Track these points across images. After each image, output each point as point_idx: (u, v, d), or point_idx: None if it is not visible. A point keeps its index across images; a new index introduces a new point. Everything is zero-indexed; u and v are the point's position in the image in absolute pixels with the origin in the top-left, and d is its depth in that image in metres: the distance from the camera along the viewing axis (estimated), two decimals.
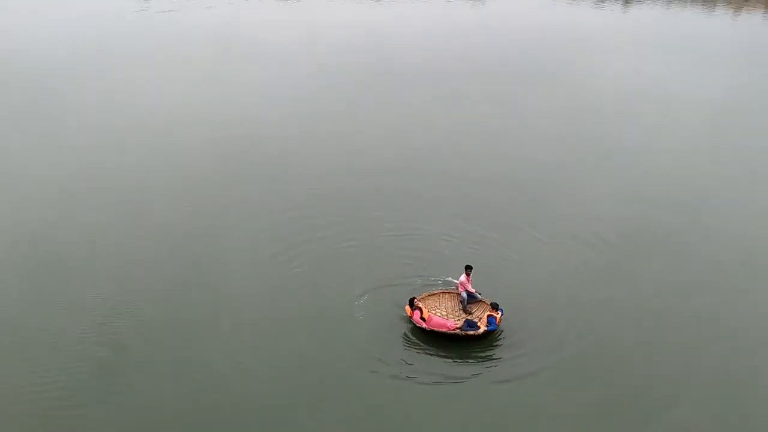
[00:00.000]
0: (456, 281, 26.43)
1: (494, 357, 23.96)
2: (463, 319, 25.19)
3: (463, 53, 60.11)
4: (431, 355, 23.89)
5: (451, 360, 23.77)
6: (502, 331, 24.68)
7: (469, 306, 25.87)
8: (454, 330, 24.57)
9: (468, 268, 26.01)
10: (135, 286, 26.97)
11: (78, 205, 32.69)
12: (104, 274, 27.65)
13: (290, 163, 37.36)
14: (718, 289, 28.00)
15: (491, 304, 25.22)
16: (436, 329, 24.42)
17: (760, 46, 66.82)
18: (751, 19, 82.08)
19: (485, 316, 24.96)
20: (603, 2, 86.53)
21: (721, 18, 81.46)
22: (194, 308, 25.94)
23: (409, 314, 24.89)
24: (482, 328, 24.39)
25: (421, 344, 24.32)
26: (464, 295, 25.88)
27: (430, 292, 26.49)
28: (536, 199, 34.41)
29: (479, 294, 26.04)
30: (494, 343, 24.39)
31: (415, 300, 25.28)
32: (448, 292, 26.64)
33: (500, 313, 24.76)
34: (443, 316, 25.66)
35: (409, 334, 24.73)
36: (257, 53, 56.55)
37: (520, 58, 58.85)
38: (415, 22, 72.92)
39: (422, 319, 24.58)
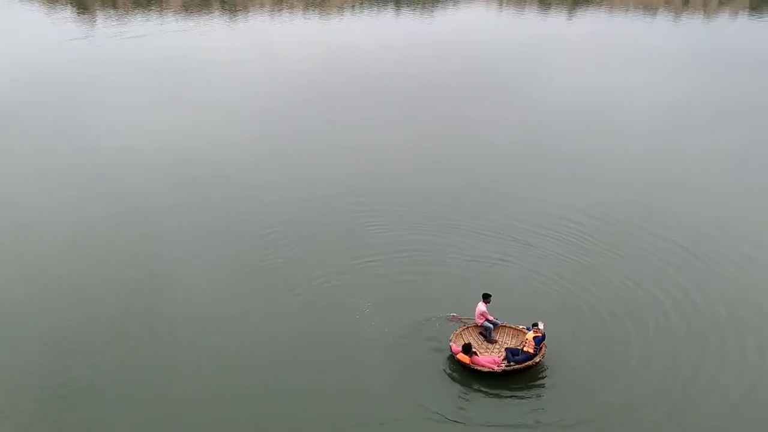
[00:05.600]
0: (458, 314, 25.17)
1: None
2: (503, 350, 23.70)
3: (415, 68, 60.06)
4: (473, 391, 22.59)
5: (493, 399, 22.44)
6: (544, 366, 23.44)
7: (493, 335, 24.54)
8: (501, 365, 22.83)
9: (486, 297, 24.47)
10: (87, 317, 25.71)
11: (29, 236, 31.26)
12: (57, 306, 26.30)
13: (252, 187, 36.20)
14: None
15: (533, 324, 23.69)
16: (489, 368, 22.74)
17: (700, 50, 68.55)
18: (690, 23, 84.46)
19: (530, 339, 23.42)
20: (547, 12, 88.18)
21: (662, 23, 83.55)
22: (175, 338, 24.81)
23: (467, 361, 22.80)
24: (532, 352, 22.92)
25: (460, 380, 22.95)
26: (488, 325, 24.44)
27: (454, 333, 24.43)
28: (499, 206, 34.30)
29: (498, 320, 24.59)
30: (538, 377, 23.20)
31: (473, 347, 23.19)
32: (467, 328, 24.66)
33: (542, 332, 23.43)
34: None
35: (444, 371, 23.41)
36: (213, 77, 55.74)
37: (471, 71, 59.17)
38: (365, 38, 73.18)
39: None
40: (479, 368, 22.79)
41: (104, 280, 27.95)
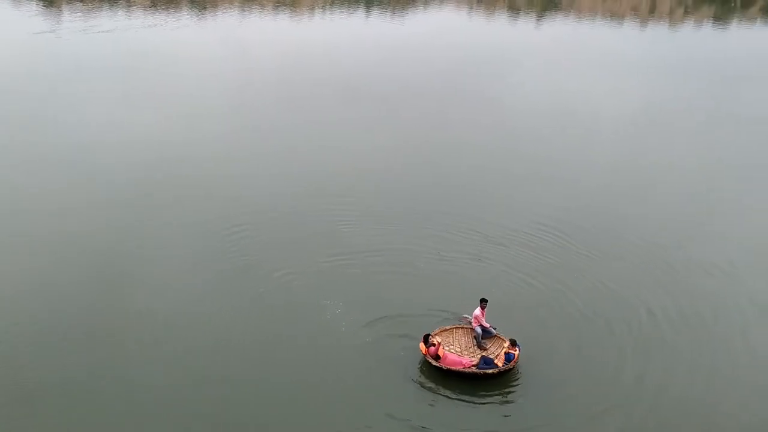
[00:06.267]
0: (470, 316, 24.80)
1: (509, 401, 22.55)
2: (479, 356, 23.58)
3: (385, 69, 59.90)
4: (443, 397, 22.32)
5: (463, 405, 22.16)
6: (518, 372, 23.26)
7: (484, 342, 24.06)
8: (469, 368, 22.83)
9: (483, 302, 24.30)
10: (54, 315, 25.07)
11: None
12: (21, 303, 25.60)
13: (222, 184, 35.65)
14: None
15: (510, 340, 23.61)
16: (450, 368, 22.72)
17: (666, 58, 69.51)
18: (656, 31, 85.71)
19: (502, 353, 23.23)
20: (517, 17, 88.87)
21: (630, 30, 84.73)
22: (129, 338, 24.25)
23: (423, 351, 23.13)
24: (500, 366, 22.83)
25: (432, 385, 22.73)
26: (478, 330, 24.31)
27: (443, 327, 24.61)
28: (474, 207, 34.31)
29: (494, 329, 24.34)
30: (512, 383, 23.04)
31: (431, 336, 23.47)
32: (462, 328, 24.80)
33: (518, 349, 23.23)
34: (457, 353, 23.80)
35: (419, 373, 23.22)
36: (183, 74, 55.01)
37: (442, 75, 59.01)
38: (335, 38, 72.88)
39: (437, 356, 23.03)
40: (430, 361, 22.84)
41: (71, 276, 27.42)
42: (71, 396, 21.68)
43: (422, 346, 23.30)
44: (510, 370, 22.95)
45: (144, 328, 24.68)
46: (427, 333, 23.68)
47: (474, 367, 22.93)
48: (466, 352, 23.99)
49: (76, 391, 21.85)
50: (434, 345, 23.17)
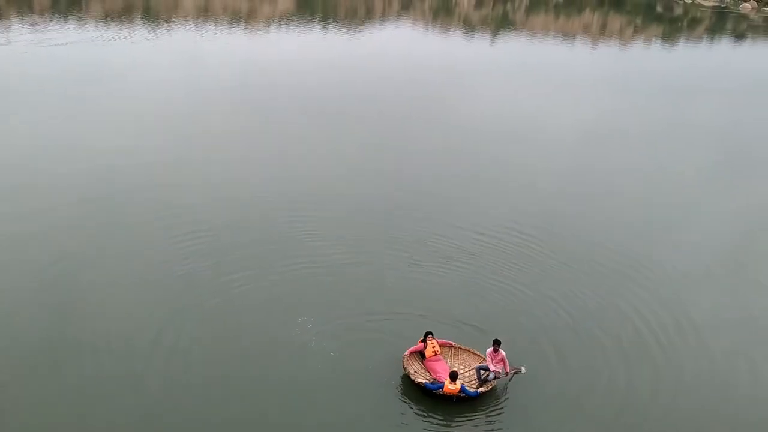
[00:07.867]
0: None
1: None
2: (458, 385, 22.62)
3: (344, 81, 60.13)
4: (413, 417, 21.86)
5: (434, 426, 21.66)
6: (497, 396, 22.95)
7: (488, 381, 22.98)
8: (430, 381, 22.32)
9: (494, 343, 23.16)
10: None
11: None
12: None
13: (165, 196, 34.80)
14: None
15: (451, 373, 22.63)
16: (414, 378, 22.33)
17: (616, 74, 71.04)
18: (607, 49, 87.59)
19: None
20: (472, 34, 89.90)
21: (581, 49, 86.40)
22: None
23: (418, 342, 23.34)
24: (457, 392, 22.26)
25: (401, 403, 22.29)
26: (481, 365, 23.29)
27: (472, 350, 24.21)
28: (440, 216, 34.56)
29: (495, 378, 22.93)
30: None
31: (429, 336, 23.23)
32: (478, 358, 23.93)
33: (461, 389, 22.18)
34: (459, 370, 23.23)
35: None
36: (126, 85, 54.11)
37: (400, 89, 59.25)
38: (292, 53, 72.70)
39: (422, 355, 22.95)
40: (405, 355, 22.84)
41: (20, 286, 26.52)
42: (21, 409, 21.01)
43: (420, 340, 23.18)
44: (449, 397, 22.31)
45: (94, 343, 23.83)
46: (429, 331, 23.50)
47: (436, 380, 22.52)
48: (467, 379, 23.34)
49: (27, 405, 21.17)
50: (425, 343, 22.98)
